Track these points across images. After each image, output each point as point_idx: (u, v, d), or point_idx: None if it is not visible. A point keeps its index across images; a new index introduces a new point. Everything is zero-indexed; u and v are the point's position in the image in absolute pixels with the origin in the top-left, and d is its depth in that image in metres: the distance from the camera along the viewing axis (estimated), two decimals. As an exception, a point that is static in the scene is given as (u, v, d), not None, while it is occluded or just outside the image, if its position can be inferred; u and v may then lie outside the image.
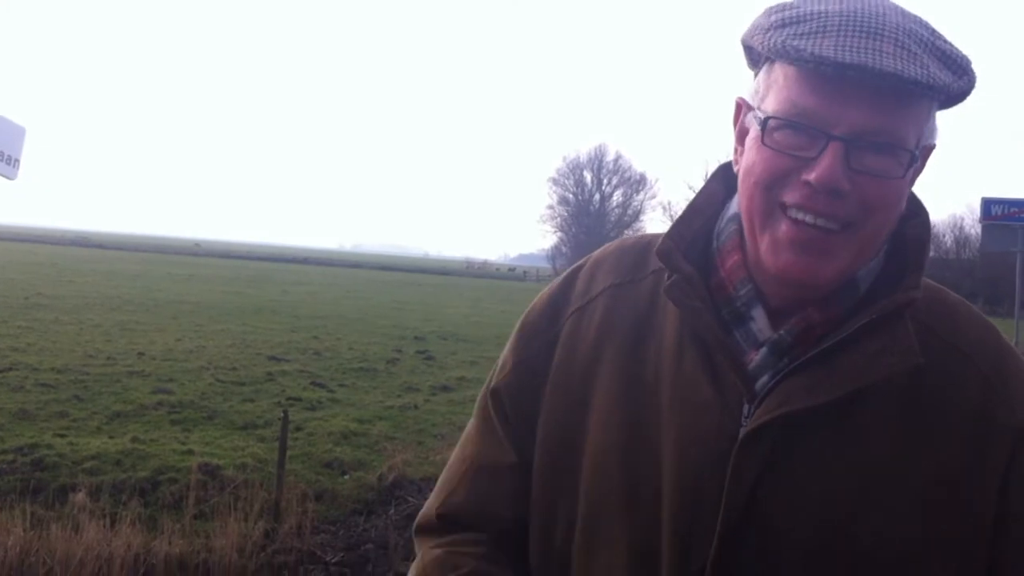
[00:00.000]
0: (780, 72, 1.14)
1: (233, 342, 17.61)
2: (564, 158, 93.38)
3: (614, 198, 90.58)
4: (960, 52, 1.12)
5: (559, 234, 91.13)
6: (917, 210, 1.21)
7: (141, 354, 15.15)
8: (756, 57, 1.20)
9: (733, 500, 1.10)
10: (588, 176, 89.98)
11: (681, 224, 1.28)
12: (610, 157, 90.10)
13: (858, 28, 1.07)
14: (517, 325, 1.43)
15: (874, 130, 1.07)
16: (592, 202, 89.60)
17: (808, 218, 1.10)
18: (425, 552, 1.35)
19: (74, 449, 9.62)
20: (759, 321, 1.18)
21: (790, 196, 1.11)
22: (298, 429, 10.70)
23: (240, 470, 9.31)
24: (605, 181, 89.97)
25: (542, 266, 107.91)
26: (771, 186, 1.13)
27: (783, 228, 1.12)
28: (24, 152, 4.45)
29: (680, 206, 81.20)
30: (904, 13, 1.12)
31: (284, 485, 8.79)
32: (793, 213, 1.11)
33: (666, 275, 1.23)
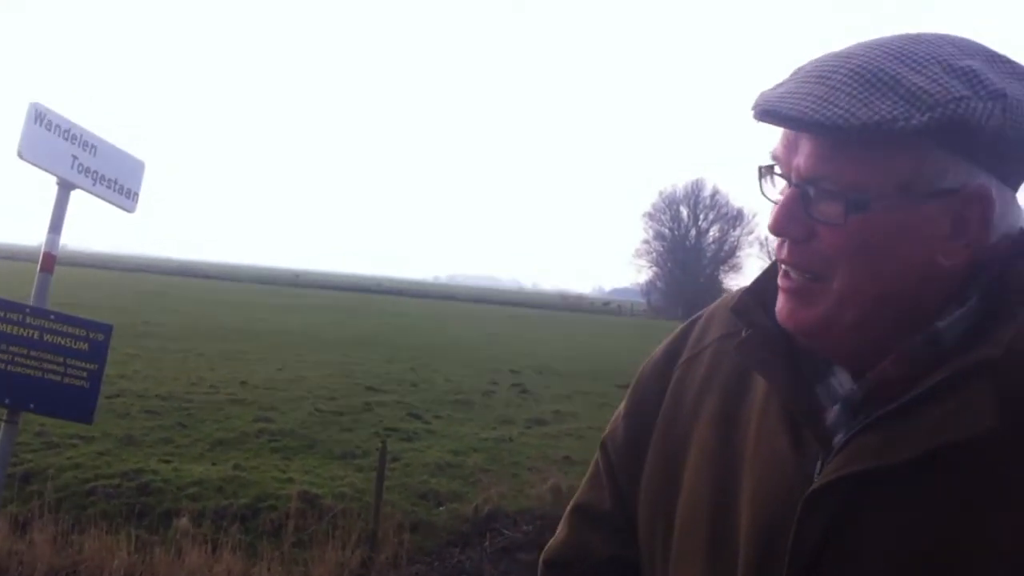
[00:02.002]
0: None
1: (332, 372, 17.84)
2: (660, 193, 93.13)
3: (710, 233, 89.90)
4: (937, 87, 1.01)
5: (654, 269, 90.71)
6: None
7: (243, 383, 15.44)
8: None
9: (796, 560, 1.07)
10: (684, 211, 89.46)
11: (764, 277, 1.29)
12: (707, 192, 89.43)
13: (806, 74, 1.08)
14: (634, 378, 1.46)
15: (819, 176, 1.07)
16: (688, 237, 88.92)
17: (786, 267, 1.13)
18: None
19: (178, 475, 9.82)
20: (840, 376, 1.16)
21: (778, 250, 1.14)
22: (395, 459, 10.77)
23: (338, 499, 9.40)
24: (702, 216, 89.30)
25: (636, 300, 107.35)
26: (776, 239, 1.15)
27: (780, 278, 1.16)
28: (142, 186, 4.59)
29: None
30: (890, 53, 1.06)
31: (381, 515, 8.85)
32: (782, 264, 1.14)
33: (743, 331, 1.24)
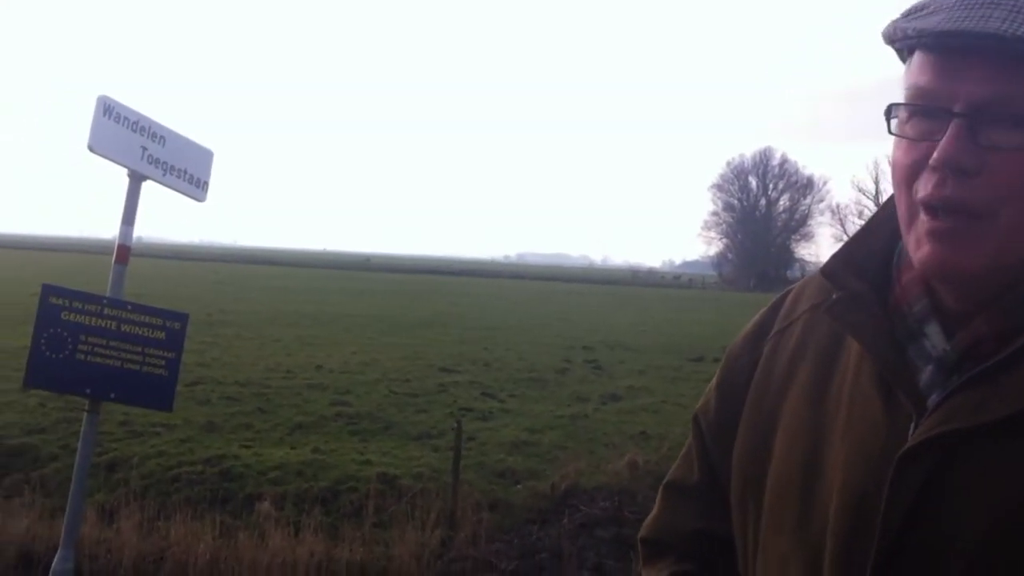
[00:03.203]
0: (909, 63, 1.10)
1: (405, 354, 17.98)
2: (728, 163, 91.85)
3: (780, 203, 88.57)
4: None
5: (724, 241, 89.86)
6: None
7: (319, 367, 15.63)
8: (902, 57, 1.15)
9: (890, 521, 1.05)
10: (753, 181, 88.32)
11: (854, 243, 1.26)
12: (776, 161, 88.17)
13: (973, 1, 1.02)
14: (725, 352, 1.46)
15: (998, 101, 1.00)
16: (758, 208, 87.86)
17: (941, 207, 1.03)
18: None
19: (259, 459, 9.98)
20: (933, 337, 1.12)
21: (923, 188, 1.05)
22: (470, 439, 10.82)
23: (416, 479, 9.48)
24: (771, 186, 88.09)
25: (708, 273, 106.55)
26: (909, 181, 1.08)
27: (920, 222, 1.06)
28: (211, 175, 4.64)
29: (850, 209, 78.81)
30: None
31: (459, 494, 8.90)
32: (927, 205, 1.05)
33: (833, 293, 1.21)
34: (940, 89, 1.04)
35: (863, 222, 1.33)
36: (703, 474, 1.43)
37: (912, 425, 1.09)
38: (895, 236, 1.21)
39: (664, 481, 1.52)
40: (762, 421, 1.29)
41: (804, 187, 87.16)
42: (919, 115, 1.07)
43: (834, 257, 1.24)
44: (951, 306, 1.12)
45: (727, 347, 1.46)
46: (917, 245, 1.08)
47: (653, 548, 1.47)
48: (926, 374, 1.11)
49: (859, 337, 1.16)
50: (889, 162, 1.17)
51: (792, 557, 1.18)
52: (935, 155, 1.02)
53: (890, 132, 1.11)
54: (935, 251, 1.05)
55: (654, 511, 1.51)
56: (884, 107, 1.12)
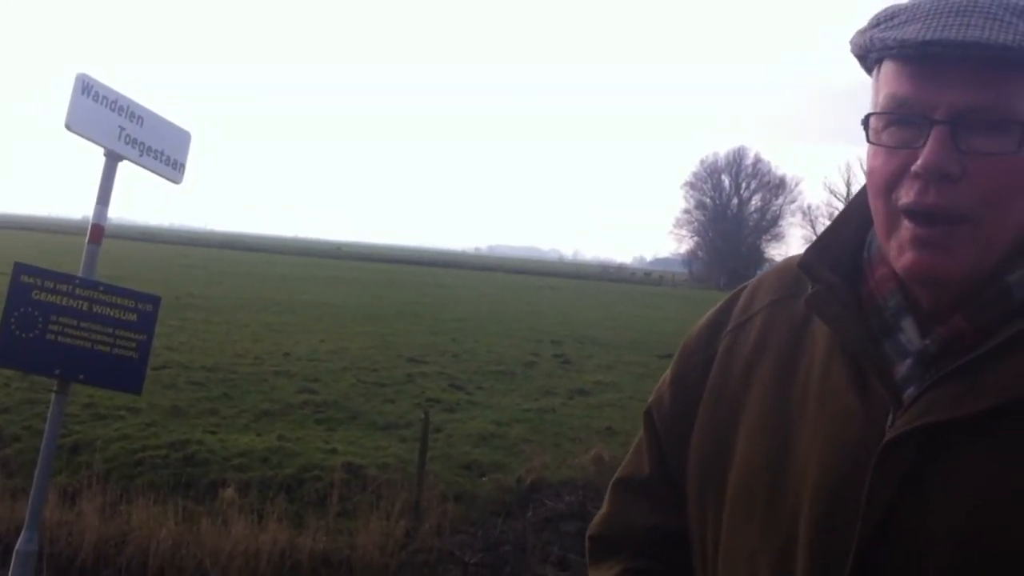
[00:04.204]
0: (881, 72, 1.12)
1: (374, 344, 17.93)
2: (701, 161, 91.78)
3: (752, 202, 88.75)
4: None
5: (696, 239, 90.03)
6: None
7: (287, 354, 15.57)
8: (867, 66, 1.18)
9: (871, 512, 1.07)
10: (726, 180, 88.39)
11: (828, 235, 1.27)
12: (749, 160, 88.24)
13: (946, 9, 1.05)
14: (679, 347, 1.45)
15: (978, 108, 1.03)
16: (730, 207, 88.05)
17: (924, 214, 1.06)
18: None
19: (224, 446, 9.95)
20: (908, 332, 1.14)
21: (905, 196, 1.08)
22: (437, 430, 10.83)
23: (382, 469, 9.48)
24: (743, 185, 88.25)
25: (678, 271, 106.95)
26: (888, 189, 1.10)
27: (903, 228, 1.09)
28: (188, 157, 4.61)
29: (821, 211, 79.30)
30: None
31: (424, 485, 8.92)
32: (910, 212, 1.07)
33: (809, 286, 1.22)
34: (920, 98, 1.06)
35: None
36: (655, 469, 1.42)
37: (890, 417, 1.10)
38: (864, 227, 1.24)
39: (614, 478, 1.51)
40: (722, 416, 1.30)
41: (776, 187, 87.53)
42: (896, 124, 1.10)
43: (810, 250, 1.26)
44: (925, 305, 1.14)
45: (682, 342, 1.46)
46: (899, 251, 1.10)
47: (603, 545, 1.46)
48: (904, 367, 1.13)
49: (839, 329, 1.17)
50: (864, 170, 1.19)
51: (760, 550, 1.19)
52: (919, 162, 1.04)
53: (868, 141, 1.12)
54: (919, 258, 1.08)
55: (604, 508, 1.49)
56: (859, 112, 1.15)
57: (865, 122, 1.13)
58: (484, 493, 9.42)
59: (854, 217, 1.27)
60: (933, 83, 1.05)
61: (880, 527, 1.07)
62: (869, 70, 1.18)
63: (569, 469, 9.92)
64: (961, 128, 1.04)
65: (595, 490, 9.14)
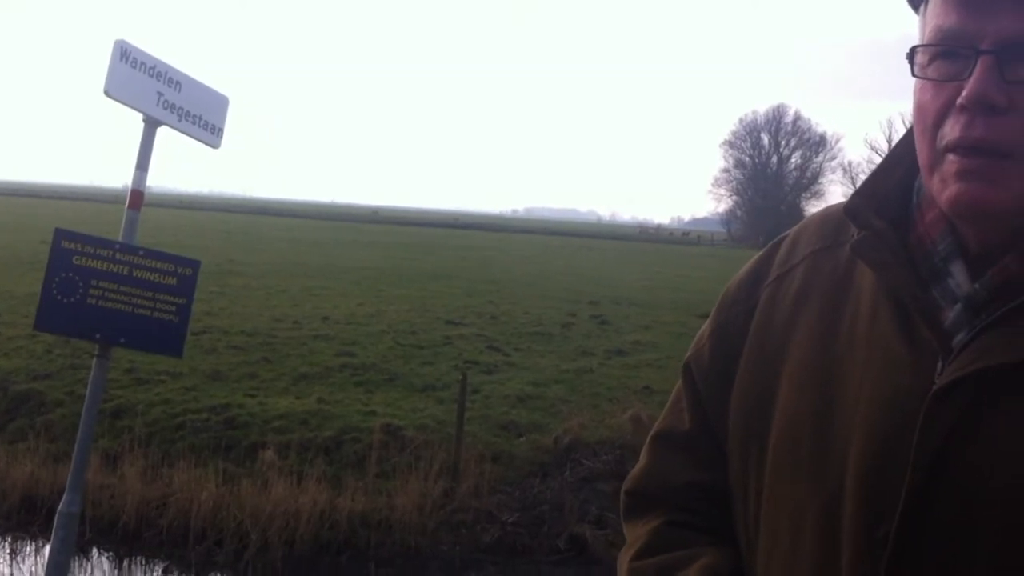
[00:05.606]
0: (928, 6, 1.10)
1: (412, 307, 18.03)
2: (740, 120, 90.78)
3: (792, 160, 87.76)
4: None
5: (734, 198, 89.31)
6: None
7: (325, 318, 15.68)
8: (915, 3, 1.15)
9: (921, 460, 1.04)
10: (765, 138, 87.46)
11: (874, 179, 1.23)
12: (789, 118, 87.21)
13: None
14: (718, 299, 1.42)
15: None
16: (769, 165, 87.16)
17: (970, 147, 1.02)
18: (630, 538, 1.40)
19: (263, 409, 10.06)
20: (957, 276, 1.10)
21: (951, 131, 1.04)
22: (475, 392, 10.88)
23: (420, 431, 9.55)
24: (783, 143, 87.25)
25: (717, 231, 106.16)
26: (935, 125, 1.07)
27: (948, 162, 1.05)
28: (226, 122, 4.64)
29: (861, 167, 78.26)
30: None
31: (462, 446, 8.96)
32: (956, 147, 1.04)
33: (855, 232, 1.19)
34: (966, 28, 1.03)
35: None
36: (695, 423, 1.39)
37: (940, 365, 1.07)
38: (912, 172, 1.20)
39: (651, 432, 1.47)
40: (764, 367, 1.27)
41: (816, 144, 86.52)
42: (942, 57, 1.07)
43: (856, 195, 1.22)
44: (973, 248, 1.11)
45: (721, 294, 1.42)
46: (943, 186, 1.07)
47: (639, 500, 1.42)
48: (953, 313, 1.09)
49: (887, 275, 1.15)
50: (912, 106, 1.15)
51: (806, 503, 1.16)
52: (964, 93, 1.02)
53: (914, 75, 1.10)
54: (964, 189, 1.04)
55: (641, 463, 1.45)
56: (902, 69, 1.11)
57: (911, 56, 1.11)
58: (521, 453, 9.47)
59: (902, 161, 1.23)
60: (979, 13, 1.02)
61: (930, 478, 1.04)
62: (916, 7, 1.15)
63: (606, 429, 9.94)
64: (1008, 58, 1.01)
65: (632, 450, 9.15)
